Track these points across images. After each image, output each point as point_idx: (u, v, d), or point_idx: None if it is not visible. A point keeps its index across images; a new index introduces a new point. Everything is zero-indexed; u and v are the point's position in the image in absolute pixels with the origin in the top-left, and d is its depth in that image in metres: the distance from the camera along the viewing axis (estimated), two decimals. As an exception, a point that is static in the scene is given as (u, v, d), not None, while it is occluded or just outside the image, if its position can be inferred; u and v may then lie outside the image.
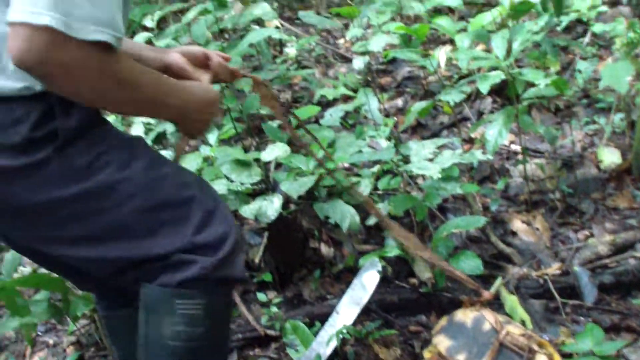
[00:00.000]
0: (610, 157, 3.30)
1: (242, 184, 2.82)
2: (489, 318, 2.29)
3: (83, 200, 1.53)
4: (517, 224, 3.11)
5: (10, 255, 2.87)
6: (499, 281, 2.55)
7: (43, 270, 2.53)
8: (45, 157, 1.46)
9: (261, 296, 2.92)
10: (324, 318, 2.69)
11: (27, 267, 3.13)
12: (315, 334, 2.63)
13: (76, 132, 1.50)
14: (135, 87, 1.49)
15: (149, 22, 3.56)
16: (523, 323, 2.41)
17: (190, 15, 3.45)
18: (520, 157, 3.32)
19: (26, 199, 1.49)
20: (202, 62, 2.00)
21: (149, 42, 3.57)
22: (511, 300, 2.52)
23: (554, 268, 2.83)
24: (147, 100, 1.56)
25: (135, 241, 1.61)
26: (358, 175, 3.09)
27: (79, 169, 1.51)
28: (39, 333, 3.19)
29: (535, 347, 2.19)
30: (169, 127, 3.33)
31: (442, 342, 2.32)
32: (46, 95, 1.44)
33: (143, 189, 1.60)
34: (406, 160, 3.00)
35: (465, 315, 2.35)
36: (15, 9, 1.28)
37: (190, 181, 1.73)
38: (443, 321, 2.40)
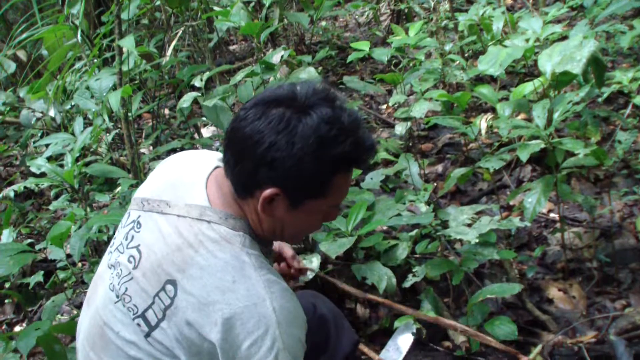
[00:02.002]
0: (649, 227, 3.28)
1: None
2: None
3: None
4: (554, 292, 3.11)
5: (50, 302, 2.95)
6: (538, 348, 2.56)
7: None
8: None
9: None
10: (357, 378, 2.71)
11: (64, 316, 3.19)
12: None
13: None
14: None
15: (198, 82, 3.66)
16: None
17: (238, 77, 3.54)
18: (558, 225, 3.33)
19: None
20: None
21: (197, 101, 3.68)
22: (545, 368, 2.52)
23: (590, 336, 2.82)
24: None
25: None
26: (396, 238, 3.13)
27: None
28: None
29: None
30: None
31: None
32: None
33: None
34: (444, 225, 3.03)
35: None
36: None
37: None
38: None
